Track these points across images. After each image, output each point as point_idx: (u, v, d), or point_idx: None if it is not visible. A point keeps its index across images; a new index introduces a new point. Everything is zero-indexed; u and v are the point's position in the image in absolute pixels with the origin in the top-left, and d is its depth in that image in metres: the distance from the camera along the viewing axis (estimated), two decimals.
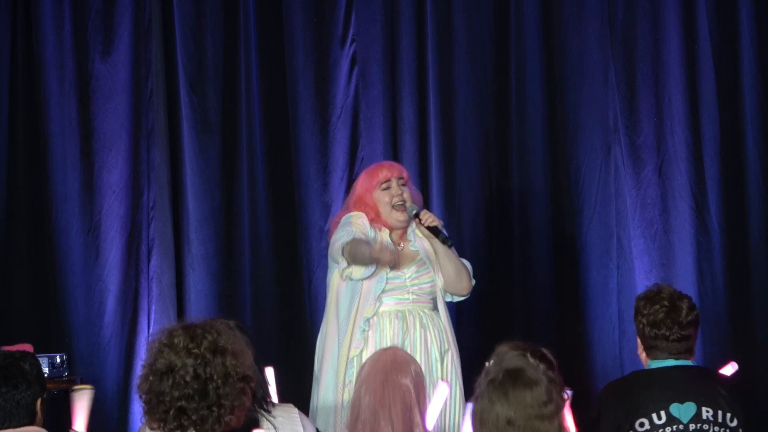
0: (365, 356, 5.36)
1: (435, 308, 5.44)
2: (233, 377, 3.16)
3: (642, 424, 4.16)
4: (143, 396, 3.18)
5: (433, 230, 5.37)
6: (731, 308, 6.56)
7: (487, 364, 3.90)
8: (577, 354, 6.59)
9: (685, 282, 6.56)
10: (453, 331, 5.46)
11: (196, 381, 3.11)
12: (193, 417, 3.13)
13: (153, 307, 6.94)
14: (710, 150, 6.63)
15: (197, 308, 6.85)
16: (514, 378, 3.25)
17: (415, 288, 5.42)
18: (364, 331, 5.42)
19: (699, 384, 4.27)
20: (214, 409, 3.14)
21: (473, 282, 5.45)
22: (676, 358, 4.29)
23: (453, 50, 6.84)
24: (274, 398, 4.32)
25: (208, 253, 6.96)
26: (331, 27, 6.94)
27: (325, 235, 6.95)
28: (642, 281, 6.62)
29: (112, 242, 6.97)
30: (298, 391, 6.80)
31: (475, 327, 6.71)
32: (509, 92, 6.81)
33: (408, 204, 5.43)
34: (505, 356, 3.87)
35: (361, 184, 5.54)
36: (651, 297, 4.35)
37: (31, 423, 3.93)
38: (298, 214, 6.92)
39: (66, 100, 7.01)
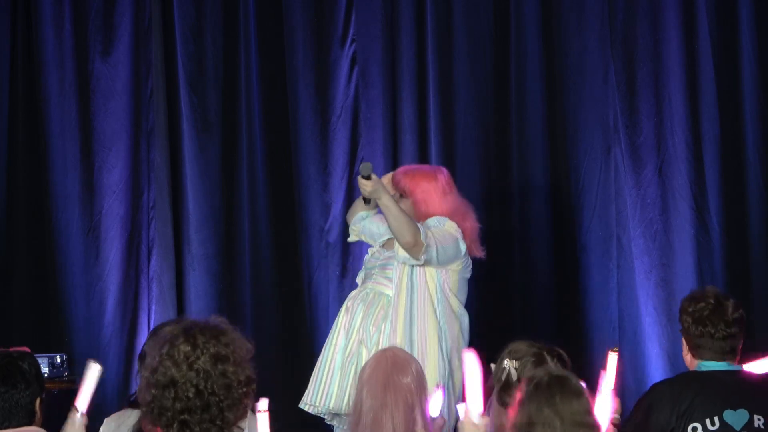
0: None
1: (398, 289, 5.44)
2: (235, 387, 3.16)
3: (695, 429, 4.12)
4: (145, 406, 3.19)
5: (364, 199, 5.50)
6: None
7: (506, 362, 3.91)
8: (577, 354, 6.58)
9: (685, 282, 6.56)
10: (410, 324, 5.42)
11: (198, 397, 3.12)
12: (196, 429, 3.14)
13: (153, 307, 6.94)
14: (710, 150, 6.62)
15: (197, 308, 6.85)
16: (561, 384, 3.26)
17: (377, 264, 5.52)
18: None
19: (751, 390, 4.24)
20: (218, 422, 3.14)
21: (420, 240, 5.29)
22: (723, 359, 4.26)
23: (453, 50, 6.84)
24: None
25: (208, 253, 6.96)
26: (331, 27, 6.94)
27: (325, 235, 6.95)
28: (642, 281, 6.62)
29: (112, 242, 6.97)
30: (298, 390, 6.80)
31: (474, 327, 6.71)
32: (509, 92, 6.81)
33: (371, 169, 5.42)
34: (522, 354, 3.88)
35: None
36: (696, 296, 4.34)
37: (31, 423, 3.93)
38: (298, 214, 6.92)
39: (66, 100, 7.01)
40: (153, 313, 6.94)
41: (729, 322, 4.27)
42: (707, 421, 4.14)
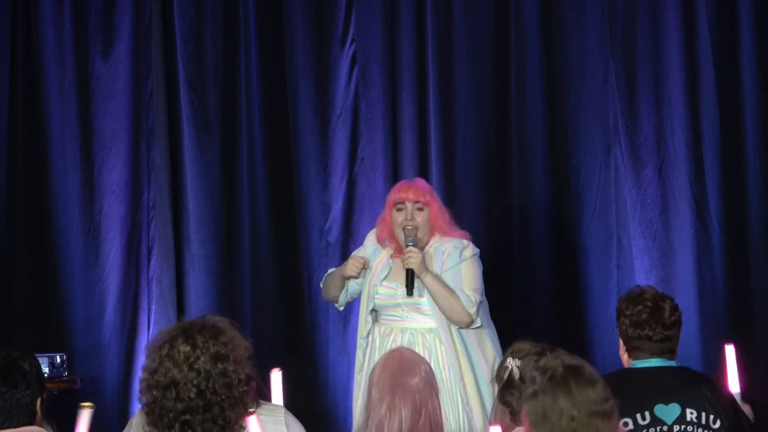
0: (364, 377, 5.41)
1: (442, 329, 5.42)
2: (236, 386, 3.16)
3: (626, 424, 4.12)
4: (146, 407, 3.19)
5: (407, 271, 5.38)
6: (731, 308, 6.56)
7: (509, 361, 3.90)
8: (577, 354, 6.57)
9: (685, 282, 6.56)
10: (466, 350, 5.43)
11: (200, 397, 3.12)
12: (198, 429, 3.14)
13: (153, 307, 6.94)
14: (710, 150, 6.62)
15: (197, 308, 6.85)
16: (575, 373, 3.22)
17: (409, 302, 5.44)
18: (363, 348, 5.52)
19: (683, 385, 4.25)
20: (219, 421, 3.14)
21: (471, 312, 5.37)
22: (659, 358, 4.29)
23: (453, 50, 6.84)
24: (278, 401, 4.31)
25: (208, 253, 6.96)
26: (331, 27, 6.94)
27: (325, 235, 6.94)
28: (642, 281, 6.61)
29: (112, 242, 6.97)
30: (298, 390, 6.80)
31: None
32: (509, 92, 6.81)
33: (416, 232, 5.43)
34: (525, 353, 3.87)
35: (387, 197, 5.64)
36: (633, 298, 4.33)
37: (31, 423, 3.93)
38: (297, 214, 6.92)
39: (66, 100, 7.01)
40: (153, 313, 6.94)
41: (666, 325, 4.29)
42: (638, 416, 4.15)
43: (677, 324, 4.32)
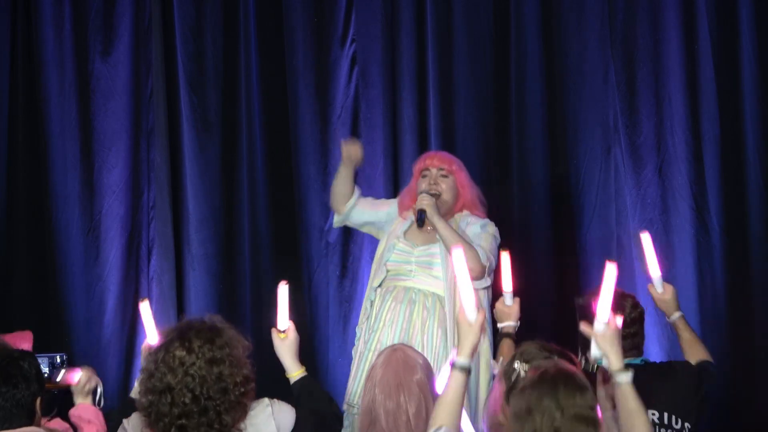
0: (365, 329, 5.43)
1: (448, 300, 5.40)
2: (231, 389, 3.16)
3: None
4: (142, 411, 3.19)
5: (418, 211, 5.40)
6: (731, 308, 6.56)
7: (516, 364, 3.91)
8: (577, 354, 6.58)
9: (685, 282, 6.55)
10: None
11: (195, 403, 3.12)
12: None
13: (153, 307, 6.94)
14: (710, 150, 6.62)
15: (197, 308, 6.85)
16: (566, 377, 3.26)
17: (421, 261, 5.42)
18: (371, 299, 5.50)
19: (647, 386, 4.25)
20: (215, 426, 3.14)
21: (484, 264, 5.37)
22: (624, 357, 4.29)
23: (453, 50, 6.84)
24: (283, 313, 4.33)
25: (208, 253, 6.96)
26: (331, 27, 6.94)
27: (325, 235, 6.94)
28: (642, 281, 6.60)
29: (112, 242, 6.97)
30: None
31: None
32: (509, 92, 6.81)
33: (442, 196, 5.46)
34: (532, 356, 3.87)
35: (413, 168, 5.70)
36: (592, 297, 4.34)
37: (31, 423, 3.93)
38: (297, 213, 6.92)
39: (66, 100, 7.01)
40: (153, 313, 6.93)
41: (627, 323, 4.29)
42: None
43: (638, 320, 4.34)
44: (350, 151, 5.65)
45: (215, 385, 3.13)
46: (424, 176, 5.54)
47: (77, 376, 4.28)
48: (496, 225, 6.78)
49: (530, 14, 6.78)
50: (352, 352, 5.69)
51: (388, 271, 5.50)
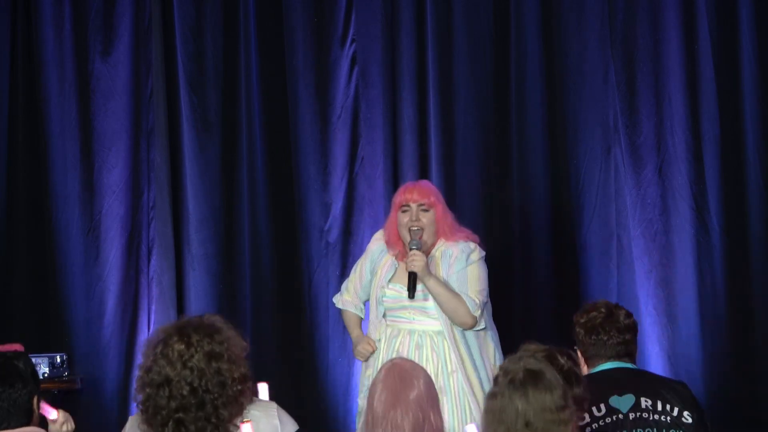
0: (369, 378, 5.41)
1: (446, 332, 5.41)
2: (229, 384, 3.16)
3: (582, 419, 4.15)
4: (140, 405, 3.19)
5: (409, 274, 5.37)
6: (731, 308, 6.55)
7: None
8: (577, 354, 6.58)
9: (685, 282, 6.55)
10: (470, 352, 5.42)
11: (193, 395, 3.13)
12: (191, 428, 3.14)
13: (153, 307, 6.94)
14: (710, 150, 6.62)
15: (197, 308, 6.85)
16: (534, 379, 3.27)
17: (417, 308, 5.43)
18: (377, 339, 5.53)
19: (638, 379, 4.31)
20: (213, 420, 3.14)
21: (475, 315, 5.36)
22: (616, 361, 4.31)
23: (453, 50, 6.83)
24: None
25: (208, 253, 6.96)
26: (331, 27, 6.94)
27: (325, 235, 6.94)
28: (642, 281, 6.61)
29: (112, 242, 6.97)
30: (297, 390, 6.81)
31: None
32: (509, 92, 6.81)
33: (422, 233, 5.43)
34: (531, 356, 3.88)
35: (393, 199, 5.63)
36: (587, 308, 4.43)
37: (29, 422, 3.93)
38: (297, 214, 6.92)
39: (66, 100, 7.01)
40: (153, 313, 6.94)
41: (621, 329, 4.34)
42: (593, 408, 4.19)
43: (632, 328, 4.38)
44: (364, 356, 5.57)
45: (213, 379, 3.14)
46: (404, 211, 5.46)
47: (53, 414, 4.26)
48: (496, 225, 6.80)
49: (530, 14, 6.78)
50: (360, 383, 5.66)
51: (386, 323, 5.52)
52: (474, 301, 5.37)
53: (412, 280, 5.38)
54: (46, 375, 6.49)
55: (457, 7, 6.84)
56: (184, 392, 3.13)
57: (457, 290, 5.38)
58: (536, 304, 6.75)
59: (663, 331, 6.57)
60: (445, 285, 5.37)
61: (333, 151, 6.91)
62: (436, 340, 5.42)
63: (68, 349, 6.83)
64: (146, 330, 6.90)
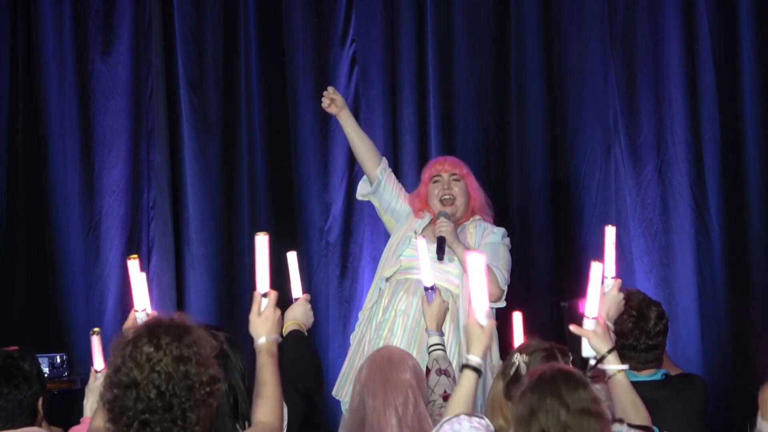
0: (370, 316, 5.40)
1: (462, 308, 5.36)
2: (197, 388, 3.16)
3: None
4: (106, 404, 3.19)
5: (438, 238, 5.35)
6: (731, 308, 6.56)
7: (516, 357, 3.91)
8: (577, 354, 6.58)
9: (685, 282, 6.56)
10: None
11: (160, 399, 3.12)
12: (157, 429, 3.14)
13: (153, 307, 6.93)
14: (710, 150, 6.62)
15: (197, 308, 6.85)
16: (565, 376, 3.26)
17: (439, 271, 5.37)
18: (380, 289, 5.47)
19: (662, 404, 4.23)
20: (179, 422, 3.14)
21: (503, 288, 5.36)
22: (643, 369, 4.28)
23: (453, 50, 6.84)
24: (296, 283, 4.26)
25: (208, 253, 6.96)
26: (331, 27, 6.94)
27: (325, 235, 6.94)
28: (642, 281, 6.61)
29: (112, 242, 6.97)
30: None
31: None
32: (509, 92, 6.81)
33: (454, 201, 5.43)
34: (533, 349, 3.88)
35: (422, 175, 5.63)
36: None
37: (33, 423, 3.93)
38: (298, 214, 6.92)
39: (66, 100, 7.01)
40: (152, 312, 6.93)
41: (651, 335, 4.28)
42: None
43: (663, 333, 4.30)
44: (330, 100, 5.56)
45: (181, 383, 3.13)
46: (435, 182, 5.48)
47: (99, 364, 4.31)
48: (496, 225, 6.80)
49: (530, 14, 6.78)
50: (351, 338, 5.66)
51: (401, 264, 5.47)
52: (503, 275, 5.36)
53: (441, 244, 5.33)
54: (46, 375, 6.48)
55: (457, 7, 6.84)
56: (152, 395, 3.12)
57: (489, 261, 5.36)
58: (536, 303, 6.75)
59: None
60: None
61: (333, 151, 6.91)
62: (443, 294, 5.39)
63: (68, 349, 6.82)
64: None
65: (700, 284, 6.58)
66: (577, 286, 6.71)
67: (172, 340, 3.16)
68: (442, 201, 5.44)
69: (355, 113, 6.92)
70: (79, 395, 6.76)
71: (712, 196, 6.61)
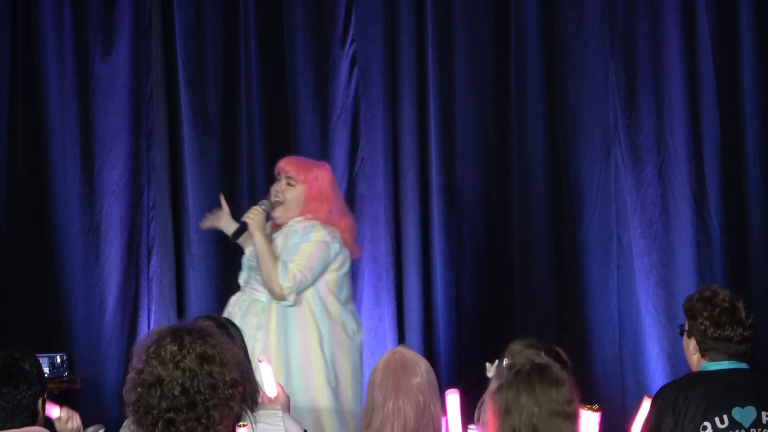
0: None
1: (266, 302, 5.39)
2: (221, 387, 3.17)
3: (705, 428, 4.13)
4: (131, 406, 3.20)
5: (241, 223, 5.44)
6: None
7: (505, 361, 3.91)
8: (577, 354, 6.59)
9: (685, 282, 6.56)
10: (284, 331, 5.38)
11: (184, 395, 3.13)
12: (182, 428, 3.15)
13: (153, 307, 6.94)
14: (710, 150, 6.62)
15: (197, 308, 6.85)
16: (540, 372, 3.28)
17: (253, 266, 5.46)
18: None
19: (759, 387, 4.25)
20: (203, 421, 3.15)
21: (284, 285, 5.31)
22: (733, 360, 4.28)
23: (453, 50, 6.84)
24: (272, 392, 4.33)
25: (208, 253, 6.96)
26: (331, 27, 6.94)
27: None
28: (642, 281, 6.61)
29: (112, 242, 6.97)
30: None
31: (475, 327, 6.72)
32: (509, 92, 6.81)
33: (278, 205, 5.45)
34: (521, 354, 3.89)
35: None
36: (708, 298, 4.32)
37: (33, 423, 3.93)
38: None
39: (66, 100, 7.01)
40: (153, 313, 6.94)
41: (746, 326, 4.29)
42: (716, 419, 4.15)
43: (754, 326, 4.32)
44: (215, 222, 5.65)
45: (205, 381, 3.14)
46: (276, 179, 5.53)
47: (56, 412, 4.28)
48: (496, 225, 6.79)
49: (530, 14, 6.78)
50: None
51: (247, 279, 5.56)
52: (289, 271, 5.28)
53: (242, 228, 5.38)
54: (45, 375, 6.48)
55: (457, 7, 6.84)
56: (176, 392, 3.13)
57: (281, 257, 5.32)
58: (536, 303, 6.75)
59: (663, 331, 6.57)
60: (269, 247, 5.32)
61: (333, 151, 6.90)
62: (259, 306, 5.40)
63: (68, 349, 6.83)
64: (146, 330, 6.90)
65: (700, 284, 6.56)
66: (577, 285, 6.73)
67: (196, 340, 3.18)
68: (273, 203, 5.47)
69: (355, 113, 6.92)
70: (79, 395, 6.78)
71: (712, 196, 6.61)
